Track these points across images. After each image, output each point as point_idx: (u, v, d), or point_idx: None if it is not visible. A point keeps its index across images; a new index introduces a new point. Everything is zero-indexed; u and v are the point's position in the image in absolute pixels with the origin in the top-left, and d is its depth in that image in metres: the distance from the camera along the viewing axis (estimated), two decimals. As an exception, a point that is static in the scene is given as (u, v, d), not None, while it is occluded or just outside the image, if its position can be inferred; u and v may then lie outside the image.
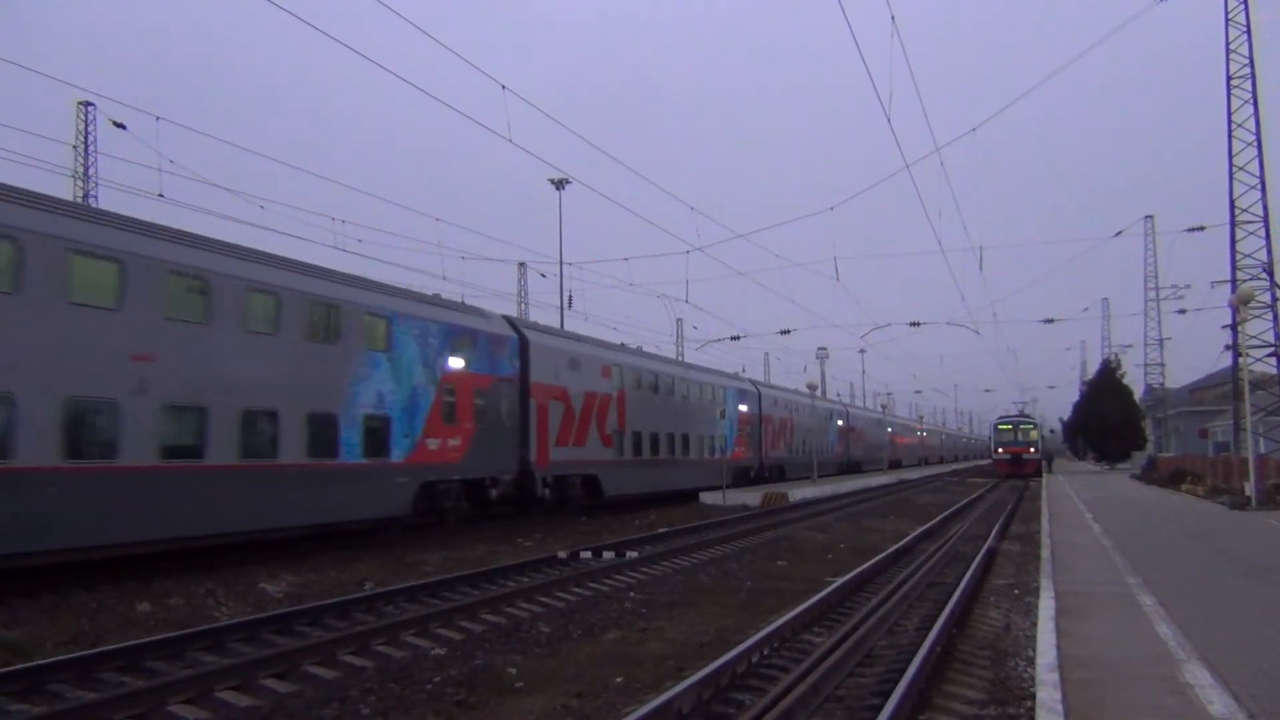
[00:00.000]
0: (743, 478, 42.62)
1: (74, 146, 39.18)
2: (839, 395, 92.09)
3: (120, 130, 27.52)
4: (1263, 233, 37.38)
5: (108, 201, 37.58)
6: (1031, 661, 8.89)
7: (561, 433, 27.41)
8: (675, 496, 36.23)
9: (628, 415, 31.83)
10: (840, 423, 63.97)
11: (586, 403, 28.96)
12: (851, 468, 65.33)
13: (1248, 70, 37.11)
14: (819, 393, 64.89)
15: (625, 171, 25.31)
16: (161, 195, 23.44)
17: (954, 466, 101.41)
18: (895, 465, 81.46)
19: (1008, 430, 67.47)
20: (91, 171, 39.17)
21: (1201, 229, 42.61)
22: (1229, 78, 37.48)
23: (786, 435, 51.61)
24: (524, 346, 25.95)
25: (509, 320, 27.00)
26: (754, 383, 49.12)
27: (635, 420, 32.30)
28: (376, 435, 19.87)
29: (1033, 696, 7.49)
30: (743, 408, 43.85)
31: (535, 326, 29.12)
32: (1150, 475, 49.24)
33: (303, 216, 58.75)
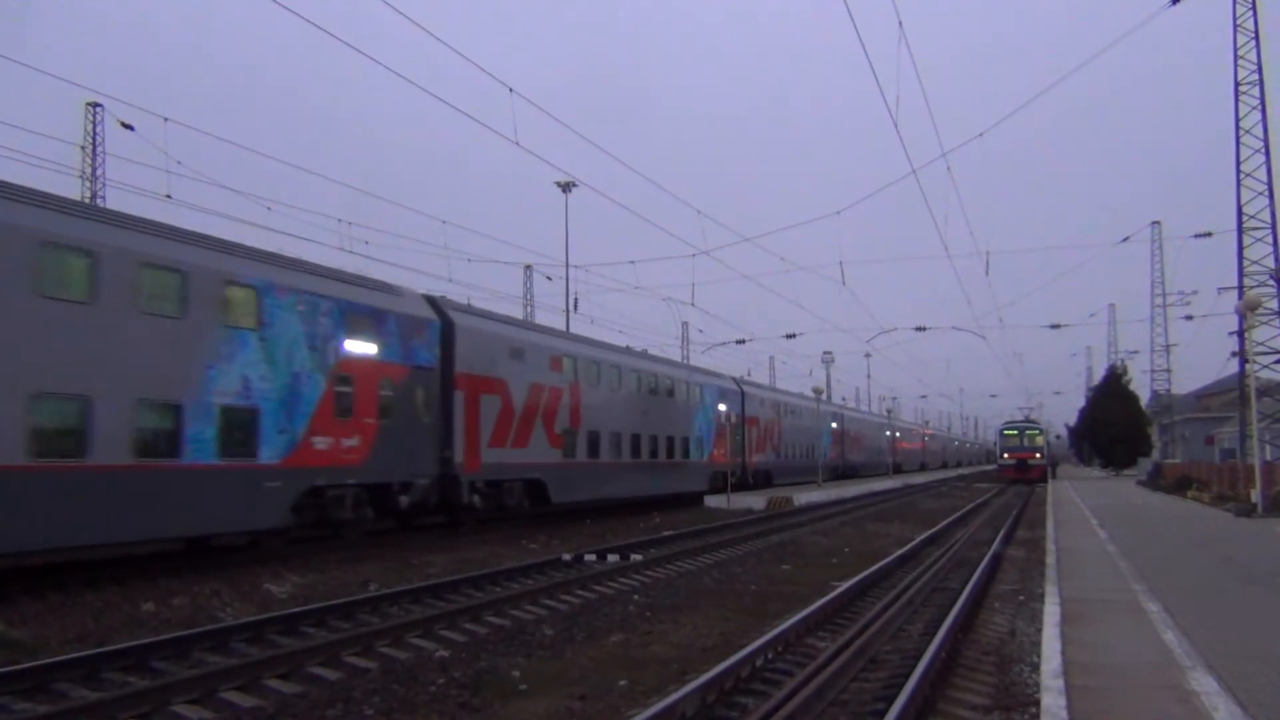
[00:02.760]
0: (392, 507, 20.50)
1: (82, 147, 39.31)
2: (852, 396, 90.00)
3: (128, 131, 27.68)
4: (1270, 239, 37.36)
5: (115, 203, 37.72)
6: (1036, 667, 8.86)
7: None
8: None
9: None
10: (723, 408, 39.97)
11: None
12: (758, 480, 44.34)
13: (1255, 76, 37.10)
14: (825, 397, 62.44)
15: (632, 174, 25.35)
16: (169, 196, 23.55)
17: (947, 474, 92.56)
18: (850, 474, 62.27)
19: (1013, 436, 67.42)
20: (99, 172, 39.31)
21: (1209, 235, 42.62)
22: (1237, 84, 37.46)
23: (564, 420, 27.30)
24: None
25: None
26: (445, 308, 23.19)
27: None
28: None
29: (1037, 703, 7.48)
30: (406, 367, 20.69)
31: None
32: (1156, 482, 49.14)
33: (310, 218, 58.92)
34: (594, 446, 29.00)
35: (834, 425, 61.38)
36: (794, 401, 54.51)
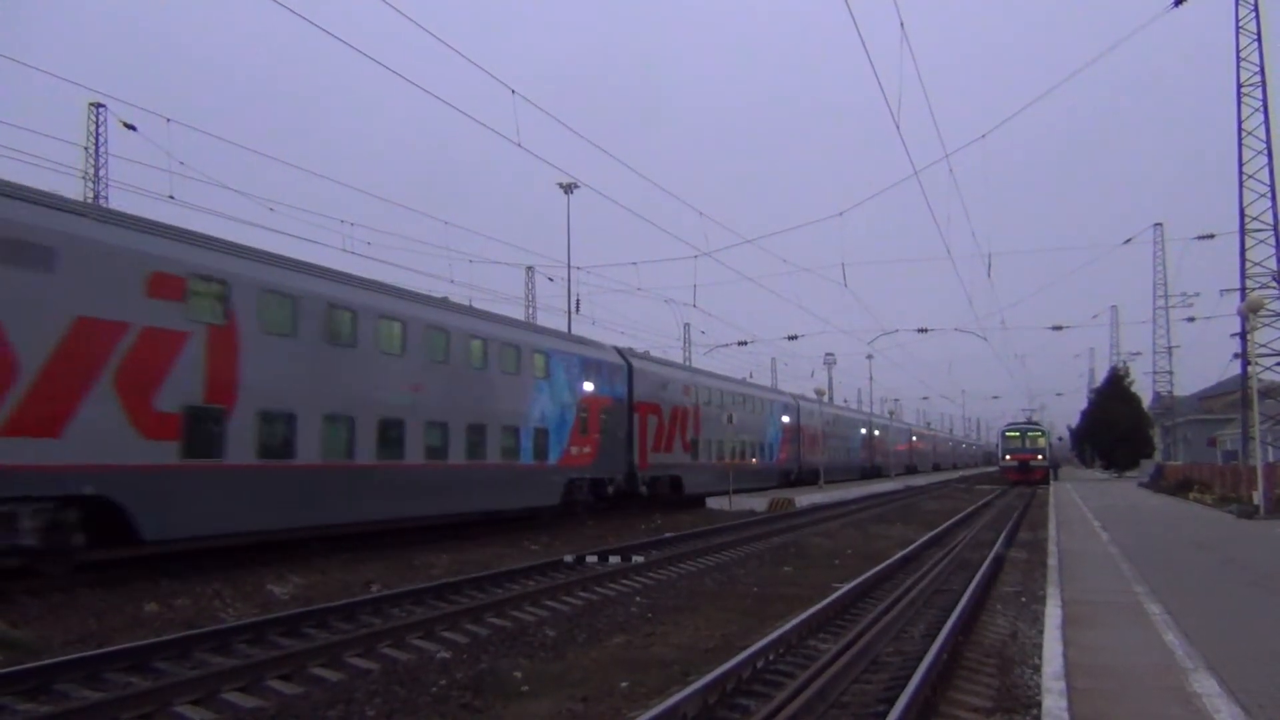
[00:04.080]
0: None
1: (85, 148, 39.39)
2: (858, 400, 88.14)
3: (131, 131, 27.71)
4: (1272, 241, 37.32)
5: (118, 203, 37.75)
6: (1038, 669, 8.85)
7: None
8: None
9: None
10: (590, 388, 28.40)
11: None
12: (659, 490, 33.03)
13: (1258, 78, 37.08)
14: (826, 399, 61.35)
15: (634, 176, 25.33)
16: (172, 197, 23.59)
17: (948, 476, 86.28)
18: (810, 480, 50.21)
19: (1015, 437, 67.42)
20: (102, 173, 39.37)
21: (1211, 237, 42.56)
22: (1239, 85, 37.44)
23: (190, 389, 15.41)
24: None
25: None
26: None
27: None
28: None
29: (1039, 705, 7.47)
30: None
31: None
32: (1158, 483, 49.11)
33: (312, 219, 59.00)
34: (280, 440, 17.20)
35: (785, 419, 49.31)
36: (718, 385, 40.94)
